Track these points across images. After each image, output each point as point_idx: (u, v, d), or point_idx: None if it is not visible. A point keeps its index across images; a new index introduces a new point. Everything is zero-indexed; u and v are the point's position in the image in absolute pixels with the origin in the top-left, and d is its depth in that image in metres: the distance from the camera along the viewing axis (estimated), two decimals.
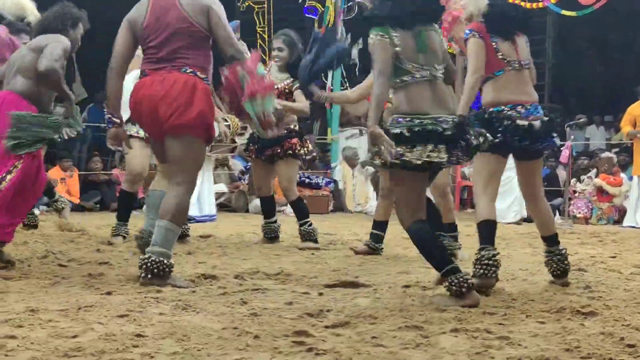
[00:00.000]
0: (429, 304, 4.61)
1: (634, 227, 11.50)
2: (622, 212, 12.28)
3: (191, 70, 5.24)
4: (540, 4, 15.88)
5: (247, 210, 13.64)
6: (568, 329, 3.92)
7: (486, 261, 5.10)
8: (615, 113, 16.65)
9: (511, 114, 5.36)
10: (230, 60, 5.23)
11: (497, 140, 5.28)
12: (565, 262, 5.61)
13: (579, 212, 12.47)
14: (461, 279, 4.62)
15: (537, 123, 5.37)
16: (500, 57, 5.49)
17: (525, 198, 6.12)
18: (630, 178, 11.98)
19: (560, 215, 12.27)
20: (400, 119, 4.65)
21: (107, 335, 3.56)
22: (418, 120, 4.62)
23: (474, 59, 5.45)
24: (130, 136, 6.61)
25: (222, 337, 3.62)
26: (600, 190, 12.63)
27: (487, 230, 5.33)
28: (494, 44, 5.49)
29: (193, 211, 10.43)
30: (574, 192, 12.65)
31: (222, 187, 13.50)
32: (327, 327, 3.89)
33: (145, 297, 4.62)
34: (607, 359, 3.33)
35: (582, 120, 14.29)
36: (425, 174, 4.86)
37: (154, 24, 5.31)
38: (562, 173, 13.20)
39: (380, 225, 7.44)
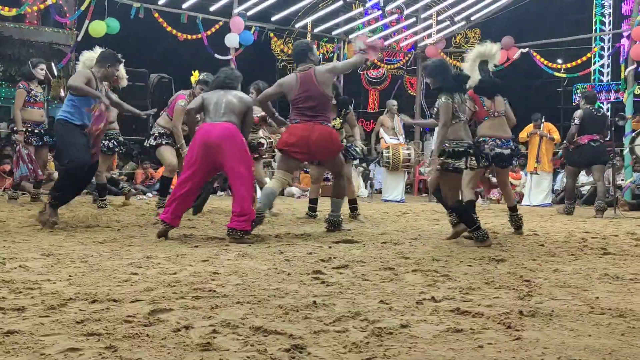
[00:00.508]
0: (400, 253, 4.62)
1: (528, 205, 11.55)
2: (521, 196, 12.28)
3: (326, 123, 5.76)
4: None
5: (282, 194, 13.63)
6: (487, 270, 3.91)
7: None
8: (515, 133, 16.55)
9: (492, 143, 5.95)
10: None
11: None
12: (520, 221, 6.20)
13: (494, 196, 12.43)
14: (483, 232, 5.20)
15: (506, 152, 5.97)
16: (485, 109, 6.05)
17: (499, 186, 6.94)
18: (526, 174, 11.96)
19: (482, 198, 12.21)
20: (447, 143, 5.21)
21: (195, 273, 3.58)
22: (460, 144, 5.21)
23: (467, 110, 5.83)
24: (167, 144, 7.40)
25: (267, 274, 3.63)
26: None
27: (472, 207, 5.59)
28: (482, 101, 6.07)
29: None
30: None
31: (267, 180, 13.46)
32: (334, 268, 3.90)
33: (219, 249, 4.65)
34: (511, 289, 3.32)
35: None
36: (460, 175, 5.40)
37: (302, 94, 5.68)
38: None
39: (313, 202, 7.74)
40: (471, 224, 5.24)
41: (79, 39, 11.01)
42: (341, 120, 7.55)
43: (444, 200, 5.57)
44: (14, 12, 10.31)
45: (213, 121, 5.17)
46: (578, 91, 18.74)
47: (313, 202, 7.80)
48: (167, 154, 7.40)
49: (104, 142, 7.74)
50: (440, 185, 5.48)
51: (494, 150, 5.91)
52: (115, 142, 8.28)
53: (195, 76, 7.33)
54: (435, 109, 5.45)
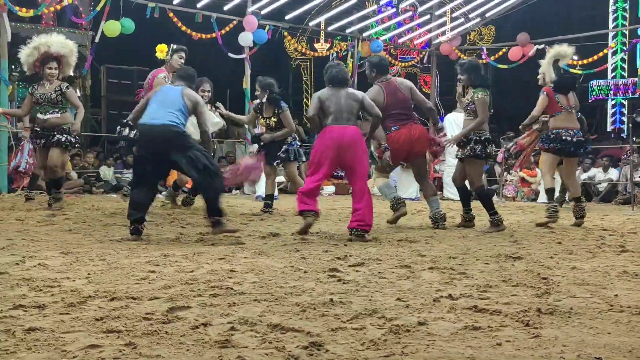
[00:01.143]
0: (416, 250, 4.61)
1: (544, 202, 11.40)
2: (536, 193, 12.19)
3: (419, 122, 6.41)
4: (484, 60, 15.75)
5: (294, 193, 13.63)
6: (504, 268, 3.90)
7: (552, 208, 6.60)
8: None
9: (567, 134, 6.73)
10: (430, 112, 6.57)
11: (557, 147, 6.76)
12: (583, 211, 6.80)
13: (509, 193, 12.35)
14: (499, 217, 5.99)
15: (576, 140, 6.74)
16: (559, 105, 6.78)
17: (564, 178, 7.51)
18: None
19: (497, 195, 12.15)
20: (472, 134, 6.19)
21: (212, 270, 3.60)
22: (485, 134, 6.24)
23: (539, 106, 6.85)
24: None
25: (284, 272, 3.64)
26: (522, 180, 12.54)
27: (552, 192, 6.85)
28: (556, 97, 6.78)
29: (262, 192, 10.39)
30: (506, 180, 12.53)
31: (282, 178, 13.48)
32: (350, 265, 3.90)
33: (235, 247, 4.67)
34: (529, 286, 3.30)
35: (510, 134, 14.33)
36: (484, 162, 6.44)
37: (392, 101, 6.17)
38: (497, 169, 13.06)
39: (269, 197, 7.84)
40: (490, 208, 6.06)
41: (97, 40, 11.09)
42: (275, 120, 7.37)
43: (460, 194, 6.59)
44: (31, 12, 10.39)
45: (340, 124, 5.39)
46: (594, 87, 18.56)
47: (269, 197, 7.78)
48: None
49: (63, 135, 7.17)
50: (467, 171, 6.30)
51: (574, 138, 6.73)
52: (76, 138, 7.38)
53: (161, 50, 7.16)
54: (468, 102, 6.27)
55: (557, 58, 6.98)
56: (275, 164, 7.66)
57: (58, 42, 7.10)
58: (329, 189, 13.09)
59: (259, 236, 5.35)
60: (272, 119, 7.43)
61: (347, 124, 5.38)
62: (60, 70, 7.25)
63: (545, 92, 6.81)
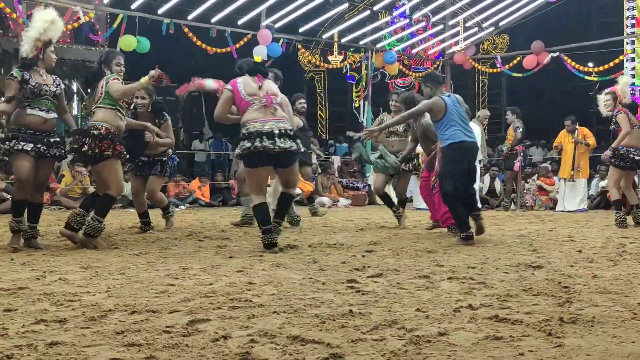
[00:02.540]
0: (435, 260, 4.59)
1: (562, 211, 11.35)
2: (555, 202, 12.08)
3: None
4: (498, 70, 15.70)
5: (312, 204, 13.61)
6: (524, 277, 3.86)
7: None
8: (547, 138, 16.43)
9: (634, 153, 7.56)
10: None
11: (627, 165, 7.61)
12: None
13: (527, 202, 12.25)
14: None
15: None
16: (630, 122, 7.57)
17: (626, 186, 7.80)
18: (559, 180, 11.78)
19: (514, 204, 12.07)
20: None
21: (231, 283, 3.60)
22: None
23: (624, 124, 7.53)
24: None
25: (302, 283, 3.63)
26: (540, 188, 12.43)
27: (618, 205, 7.72)
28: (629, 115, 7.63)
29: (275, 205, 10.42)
30: (524, 189, 12.44)
31: (298, 190, 13.47)
32: (368, 276, 3.88)
33: (253, 259, 4.67)
34: (550, 295, 3.26)
35: (527, 143, 14.34)
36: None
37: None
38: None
39: (144, 215, 6.76)
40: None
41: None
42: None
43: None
44: None
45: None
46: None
47: (143, 215, 6.71)
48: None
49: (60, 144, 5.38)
50: (403, 183, 7.50)
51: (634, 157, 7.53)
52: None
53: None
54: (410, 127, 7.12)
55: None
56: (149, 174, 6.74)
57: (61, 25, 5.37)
58: (345, 201, 13.07)
59: (278, 248, 5.34)
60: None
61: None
62: None
63: (622, 112, 7.59)
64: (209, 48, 12.18)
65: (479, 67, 16.39)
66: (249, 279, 3.73)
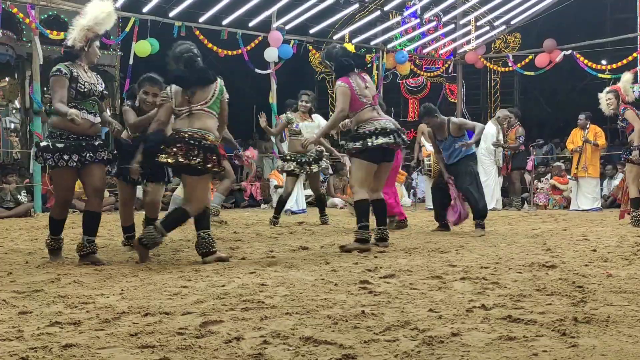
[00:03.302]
0: (447, 261, 4.57)
1: (576, 210, 11.27)
2: (568, 201, 12.00)
3: None
4: (510, 68, 15.63)
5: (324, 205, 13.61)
6: (537, 277, 3.84)
7: None
8: (560, 137, 16.32)
9: None
10: None
11: None
12: None
13: (540, 202, 12.17)
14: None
15: None
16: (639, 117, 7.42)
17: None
18: (571, 178, 11.69)
19: (527, 204, 12.00)
20: None
21: (243, 285, 3.61)
22: None
23: (635, 120, 7.39)
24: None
25: (315, 284, 3.63)
26: (553, 187, 12.34)
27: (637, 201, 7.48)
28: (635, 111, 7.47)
29: (292, 206, 10.46)
30: (536, 188, 12.36)
31: (308, 191, 13.48)
32: (380, 277, 3.88)
33: (265, 260, 4.68)
34: (564, 295, 3.24)
35: (540, 142, 14.35)
36: None
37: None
38: (527, 176, 12.90)
39: (129, 229, 5.54)
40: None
41: (131, 61, 11.28)
42: None
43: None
44: (62, 35, 10.59)
45: None
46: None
47: (129, 230, 5.51)
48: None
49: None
50: None
51: None
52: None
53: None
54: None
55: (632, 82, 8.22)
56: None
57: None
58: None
59: (289, 249, 5.36)
60: None
61: None
62: None
63: (629, 109, 7.48)
64: (219, 50, 12.21)
65: (491, 66, 16.32)
66: (262, 281, 3.74)
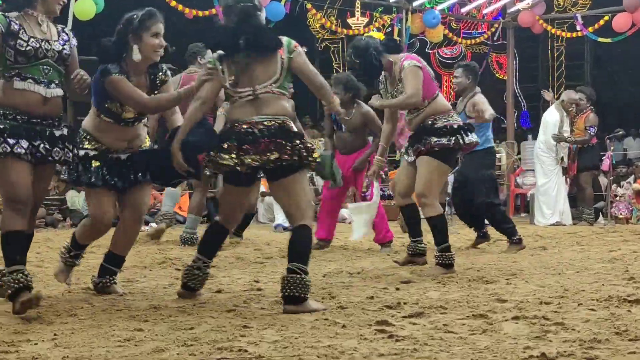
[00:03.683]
0: (494, 294, 4.57)
1: None
2: None
3: None
4: (580, 33, 15.62)
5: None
6: (617, 315, 3.83)
7: None
8: None
9: None
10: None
11: None
12: None
13: (621, 214, 12.19)
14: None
15: None
16: None
17: None
18: None
19: (603, 216, 12.01)
20: None
21: (218, 327, 3.62)
22: None
23: None
24: None
25: (315, 326, 3.63)
26: (638, 194, 12.34)
27: None
28: None
29: (283, 220, 10.46)
30: (615, 196, 12.38)
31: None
32: (404, 317, 3.88)
33: (249, 294, 4.68)
34: None
35: (620, 132, 14.15)
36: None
37: None
38: (603, 180, 12.93)
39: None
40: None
41: (69, 26, 11.28)
42: None
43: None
44: None
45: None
46: None
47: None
48: None
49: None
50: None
51: None
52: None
53: None
54: None
55: None
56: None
57: None
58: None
59: (280, 278, 5.34)
60: None
61: None
62: None
63: None
64: (187, 10, 12.24)
65: (553, 30, 16.32)
66: (243, 321, 3.74)
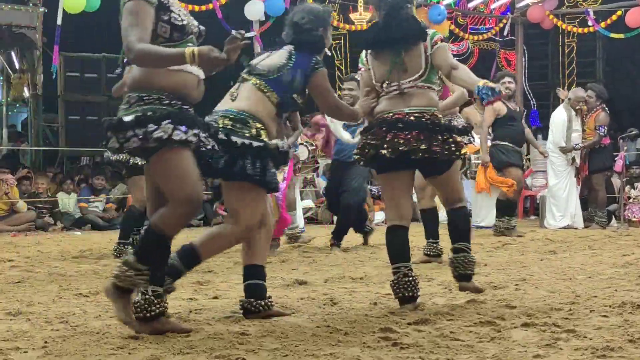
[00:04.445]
0: (503, 300, 4.57)
1: None
2: None
3: None
4: (591, 29, 15.62)
5: (331, 222, 13.61)
6: (630, 322, 3.83)
7: None
8: None
9: None
10: None
11: None
12: None
13: (634, 216, 12.16)
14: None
15: None
16: None
17: None
18: None
19: (615, 219, 11.99)
20: None
21: (215, 334, 3.61)
22: None
23: None
24: None
25: (316, 334, 3.63)
26: None
27: None
28: None
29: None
30: (628, 197, 12.35)
31: (310, 203, 13.47)
32: (409, 323, 3.88)
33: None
34: None
35: (633, 132, 14.10)
36: None
37: None
38: (616, 181, 12.90)
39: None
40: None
41: (59, 21, 11.26)
42: None
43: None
44: None
45: None
46: None
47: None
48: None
49: None
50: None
51: None
52: None
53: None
54: None
55: None
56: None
57: None
58: (379, 215, 13.04)
59: (280, 284, 5.37)
60: None
61: None
62: None
63: None
64: (183, 5, 12.22)
65: (564, 26, 16.33)
66: (241, 328, 3.74)
